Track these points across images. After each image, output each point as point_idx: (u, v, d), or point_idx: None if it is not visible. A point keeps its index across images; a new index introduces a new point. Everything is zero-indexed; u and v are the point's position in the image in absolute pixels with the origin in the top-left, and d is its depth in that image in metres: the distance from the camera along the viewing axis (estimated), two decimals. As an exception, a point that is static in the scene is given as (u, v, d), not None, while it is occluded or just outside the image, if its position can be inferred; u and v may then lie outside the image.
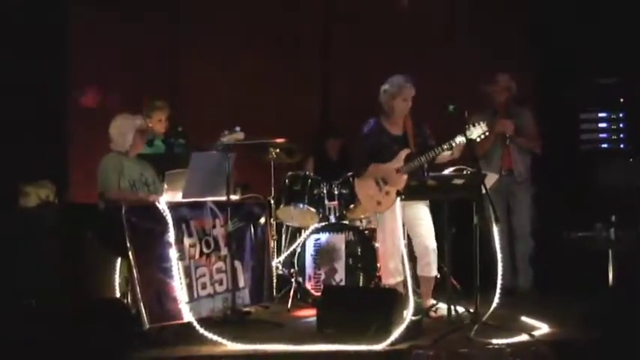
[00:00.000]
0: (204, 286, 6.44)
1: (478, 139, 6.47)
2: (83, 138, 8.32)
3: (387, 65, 9.06)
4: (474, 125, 6.43)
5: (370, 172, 6.91)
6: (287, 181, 7.83)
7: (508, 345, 5.76)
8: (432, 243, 6.82)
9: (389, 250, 6.88)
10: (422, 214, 6.86)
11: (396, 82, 6.86)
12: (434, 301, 6.87)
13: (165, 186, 6.55)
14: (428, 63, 8.75)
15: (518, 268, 7.74)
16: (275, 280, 7.29)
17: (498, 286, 6.27)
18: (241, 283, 6.79)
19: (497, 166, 7.62)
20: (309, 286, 7.57)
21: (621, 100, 8.25)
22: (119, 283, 6.72)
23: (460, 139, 6.48)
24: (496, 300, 6.24)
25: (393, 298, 6.21)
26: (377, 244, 7.50)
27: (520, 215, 7.75)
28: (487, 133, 6.47)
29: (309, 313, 7.01)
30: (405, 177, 6.75)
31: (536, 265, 7.82)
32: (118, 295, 6.69)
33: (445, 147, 6.56)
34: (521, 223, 7.75)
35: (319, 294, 6.97)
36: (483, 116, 7.04)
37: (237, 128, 6.70)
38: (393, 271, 6.86)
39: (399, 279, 6.84)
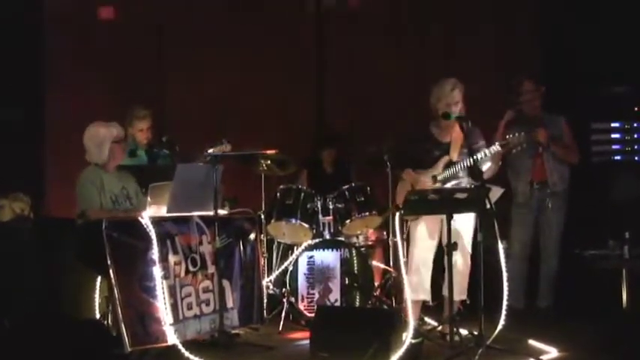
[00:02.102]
0: (190, 307, 6.40)
1: (514, 151, 6.47)
2: (60, 147, 8.30)
3: (386, 69, 9.14)
4: (513, 135, 6.41)
5: (407, 178, 6.93)
6: (278, 194, 7.78)
7: (514, 370, 5.77)
8: (456, 261, 6.56)
9: (414, 264, 6.82)
10: (456, 229, 6.62)
11: (440, 84, 6.82)
12: (435, 324, 6.87)
13: (149, 199, 6.48)
14: (430, 68, 8.78)
15: (539, 289, 7.73)
16: (265, 301, 7.22)
17: (504, 307, 6.21)
18: (230, 304, 6.75)
19: (527, 178, 7.64)
20: (301, 306, 7.54)
21: (635, 109, 8.26)
22: (99, 303, 6.70)
23: (495, 148, 6.46)
24: (501, 322, 6.17)
25: (391, 320, 6.16)
26: (373, 262, 7.53)
27: (549, 232, 7.69)
28: (524, 145, 6.45)
29: (302, 336, 7.00)
30: (440, 185, 6.73)
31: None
32: (97, 315, 6.66)
33: (481, 156, 6.50)
34: (550, 241, 7.69)
35: (313, 315, 6.92)
36: (517, 127, 7.05)
37: (224, 140, 6.70)
38: (415, 286, 6.75)
39: (422, 297, 6.80)
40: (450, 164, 6.76)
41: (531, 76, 7.76)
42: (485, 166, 6.56)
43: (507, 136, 6.45)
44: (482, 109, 7.16)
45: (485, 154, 6.49)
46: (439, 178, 6.76)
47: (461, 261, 6.67)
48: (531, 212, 7.68)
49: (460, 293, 6.75)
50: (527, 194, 7.61)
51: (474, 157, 6.44)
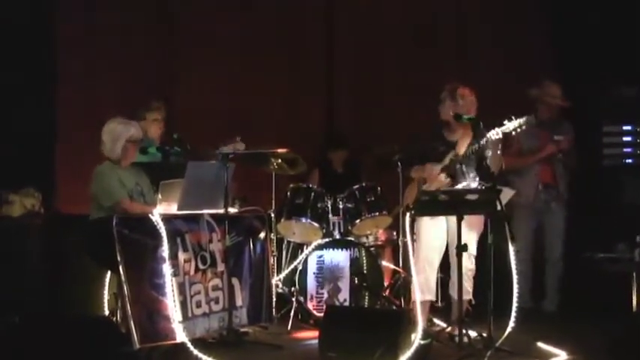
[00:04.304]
0: (199, 305, 6.41)
1: (514, 133, 6.45)
2: (71, 143, 8.30)
3: (394, 73, 9.13)
4: (510, 119, 6.42)
5: (415, 174, 6.98)
6: (289, 193, 7.80)
7: (523, 373, 5.77)
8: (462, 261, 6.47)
9: (420, 263, 6.80)
10: (462, 228, 6.52)
11: (456, 90, 6.82)
12: (444, 325, 6.87)
13: (160, 197, 6.51)
14: (441, 69, 8.77)
15: (545, 292, 7.77)
16: (275, 300, 7.24)
17: (513, 309, 6.22)
18: (239, 302, 6.76)
19: (535, 181, 7.68)
20: (310, 306, 7.55)
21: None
22: (108, 300, 6.72)
23: (494, 133, 6.42)
24: (511, 324, 6.19)
25: (400, 320, 6.15)
26: (383, 262, 7.54)
27: (553, 235, 7.80)
28: (524, 127, 6.43)
29: (311, 335, 7.01)
30: (443, 178, 6.74)
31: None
32: (106, 312, 6.69)
33: (482, 143, 6.48)
34: (554, 243, 7.79)
35: (321, 314, 6.91)
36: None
37: (238, 138, 6.70)
38: (421, 285, 6.69)
39: (428, 297, 6.80)
40: (456, 158, 6.77)
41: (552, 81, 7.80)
42: (489, 154, 6.58)
43: (511, 120, 6.43)
44: (493, 111, 7.15)
45: (487, 140, 6.48)
46: (445, 171, 6.75)
47: (465, 262, 6.65)
48: (535, 214, 7.72)
49: (465, 294, 6.73)
50: (531, 197, 7.63)
51: (477, 143, 6.48)
